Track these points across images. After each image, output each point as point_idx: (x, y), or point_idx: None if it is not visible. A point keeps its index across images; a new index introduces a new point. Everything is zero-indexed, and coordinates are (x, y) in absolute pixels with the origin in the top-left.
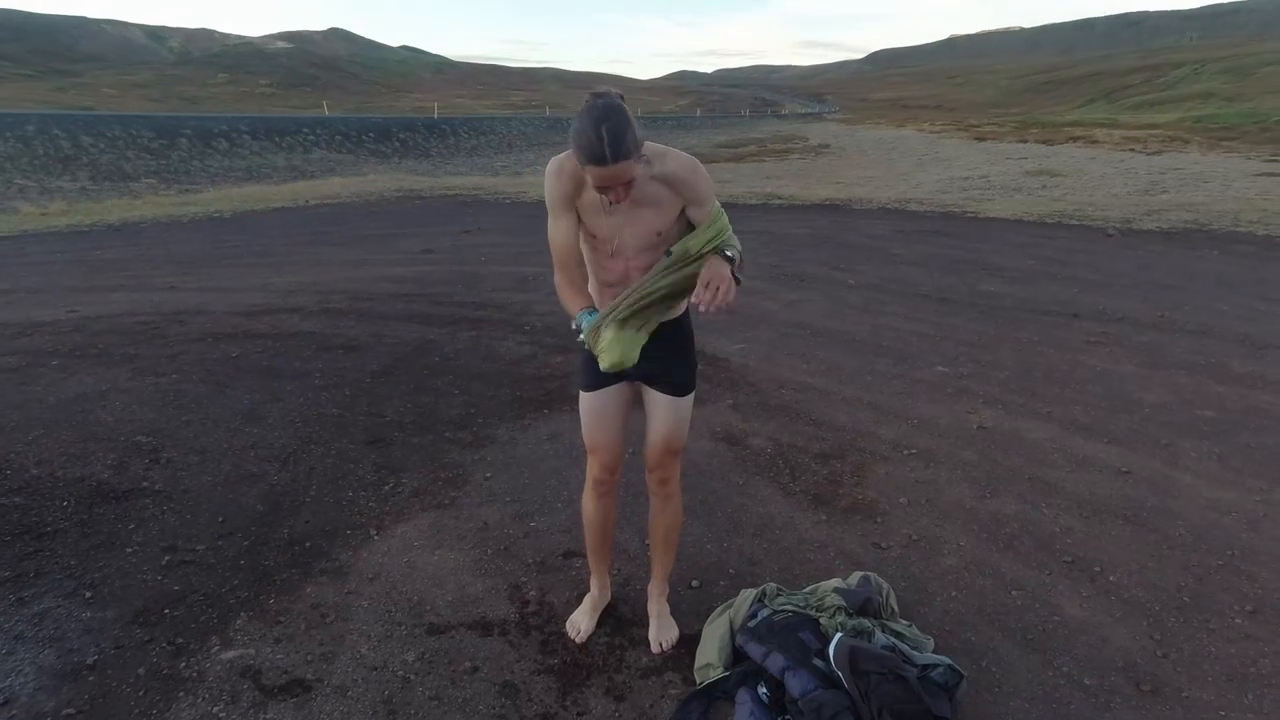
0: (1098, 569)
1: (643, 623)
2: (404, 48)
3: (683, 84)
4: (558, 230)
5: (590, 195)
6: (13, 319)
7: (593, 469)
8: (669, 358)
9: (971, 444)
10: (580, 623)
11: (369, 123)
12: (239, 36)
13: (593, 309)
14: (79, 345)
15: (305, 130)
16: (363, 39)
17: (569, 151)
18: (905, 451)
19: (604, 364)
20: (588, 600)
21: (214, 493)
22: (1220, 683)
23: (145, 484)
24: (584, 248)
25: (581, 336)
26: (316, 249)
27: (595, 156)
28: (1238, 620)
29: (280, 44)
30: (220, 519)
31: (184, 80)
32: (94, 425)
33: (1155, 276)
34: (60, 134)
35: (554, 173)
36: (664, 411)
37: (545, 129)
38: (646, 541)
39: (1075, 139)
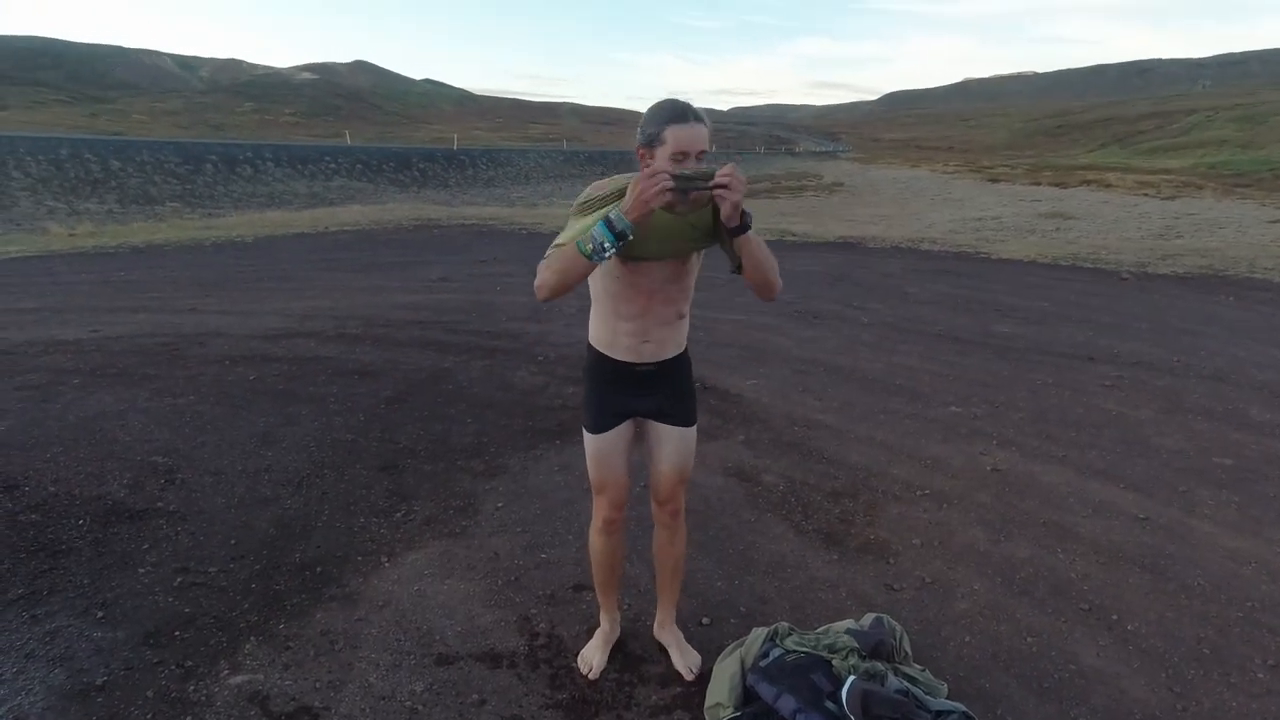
0: (1115, 617)
1: (652, 659)
2: (426, 80)
3: None
4: (581, 222)
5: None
6: (37, 337)
7: (602, 509)
8: (676, 391)
9: (985, 486)
10: (592, 658)
11: (389, 152)
12: (266, 67)
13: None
14: (100, 365)
15: (327, 158)
16: (386, 71)
17: (616, 179)
18: (918, 492)
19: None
20: (599, 635)
21: (227, 515)
22: None
23: (160, 504)
24: (604, 283)
25: (610, 244)
26: (334, 275)
27: (678, 113)
28: (1260, 675)
29: (306, 75)
30: (233, 541)
31: (212, 108)
32: (112, 444)
33: (1170, 321)
34: (91, 158)
35: (623, 184)
36: (674, 444)
37: (562, 162)
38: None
39: (1088, 182)
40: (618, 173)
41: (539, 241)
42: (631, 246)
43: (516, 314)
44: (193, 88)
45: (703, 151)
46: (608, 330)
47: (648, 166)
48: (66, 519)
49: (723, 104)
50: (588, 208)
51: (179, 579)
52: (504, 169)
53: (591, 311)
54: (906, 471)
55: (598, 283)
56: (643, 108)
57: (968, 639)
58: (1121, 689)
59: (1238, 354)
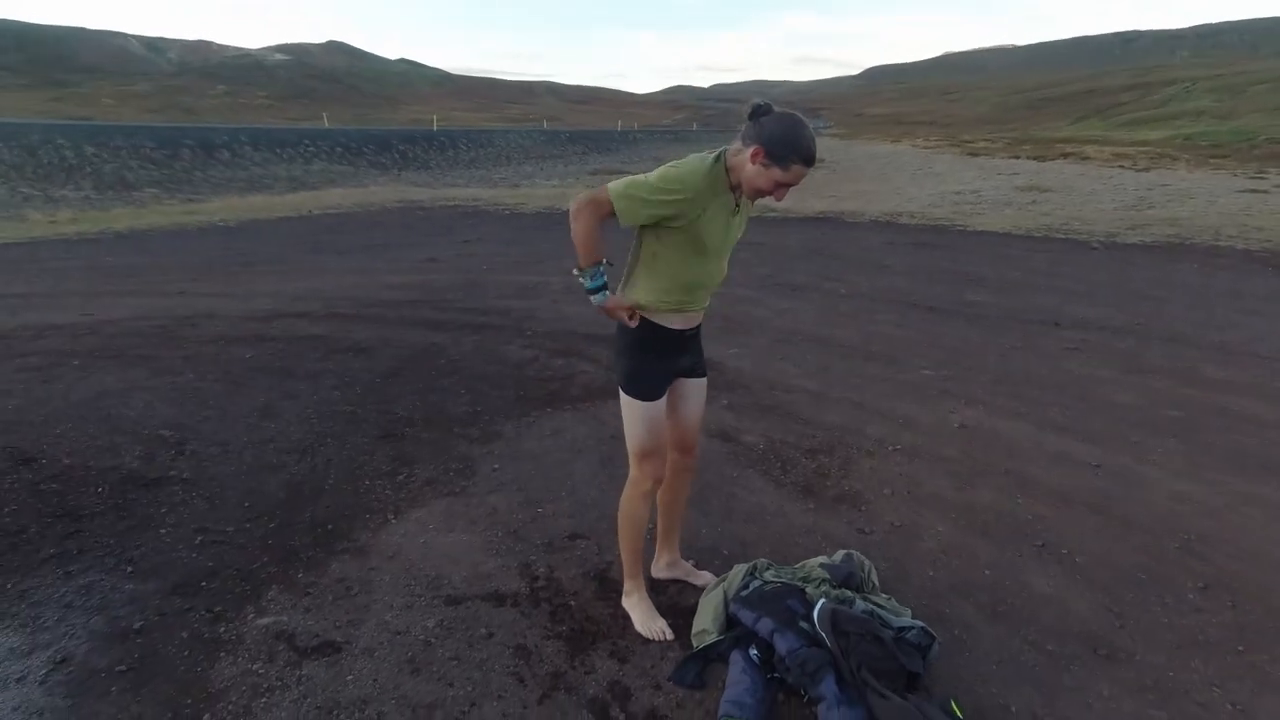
0: (1065, 551)
1: (650, 593)
2: (402, 60)
3: (679, 98)
4: (650, 212)
5: (724, 198)
6: (30, 321)
7: (653, 471)
8: (699, 346)
9: (952, 441)
10: (656, 625)
11: (369, 135)
12: (237, 49)
13: (599, 271)
14: (96, 347)
15: (306, 142)
16: (361, 52)
17: (710, 163)
18: (890, 447)
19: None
20: (642, 602)
21: (238, 481)
22: (1171, 649)
23: (173, 473)
24: (677, 269)
25: (589, 287)
26: (321, 257)
27: (809, 157)
28: (1190, 595)
29: (279, 56)
30: (246, 504)
31: (182, 91)
32: (118, 420)
33: (1135, 288)
34: (64, 144)
35: (705, 176)
36: (697, 394)
37: (543, 142)
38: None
39: (1067, 155)
40: (601, 151)
41: (523, 221)
42: (707, 245)
43: (504, 292)
44: (161, 70)
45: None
46: (674, 303)
47: (756, 163)
48: (85, 487)
49: (704, 80)
50: (666, 198)
51: (199, 538)
52: (485, 150)
53: (645, 287)
54: (879, 430)
55: (669, 269)
56: (622, 86)
57: (931, 573)
58: (1067, 611)
59: (1196, 317)
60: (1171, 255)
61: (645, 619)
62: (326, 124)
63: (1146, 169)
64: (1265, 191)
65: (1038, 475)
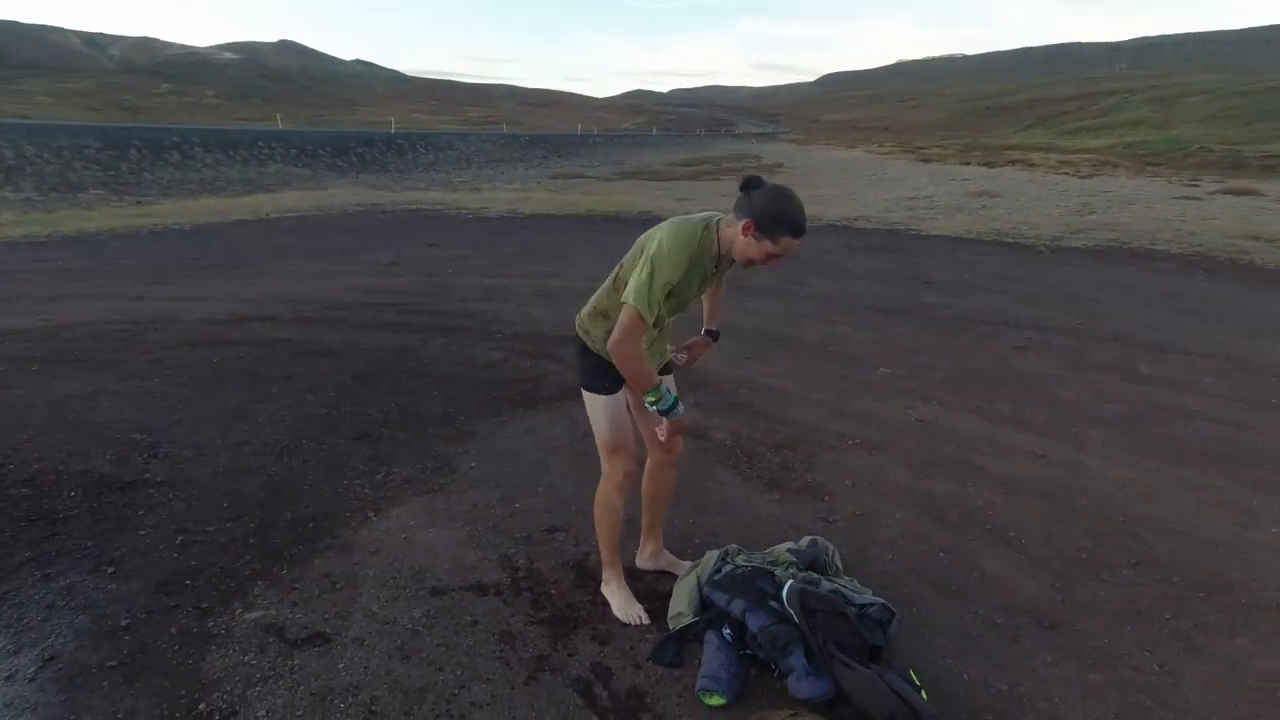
0: (1012, 534)
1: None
2: (357, 61)
3: (639, 103)
4: (661, 297)
5: (704, 266)
6: None
7: (623, 464)
8: (659, 350)
9: (910, 435)
10: (633, 610)
11: (325, 136)
12: (184, 46)
13: (664, 391)
14: (57, 352)
15: (260, 143)
16: (314, 51)
17: (699, 231)
18: (851, 442)
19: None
20: (620, 588)
21: (216, 483)
22: (1108, 619)
23: (148, 476)
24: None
25: (666, 409)
26: (283, 260)
27: (798, 230)
28: (1125, 571)
29: (228, 55)
30: (225, 505)
31: (126, 89)
32: (87, 425)
33: (1078, 290)
34: (1, 143)
35: (688, 253)
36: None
37: (503, 145)
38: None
39: (1015, 162)
40: (561, 154)
41: (487, 225)
42: (674, 304)
43: (471, 295)
44: (102, 68)
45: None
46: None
47: (750, 237)
48: (58, 491)
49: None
50: (676, 279)
51: (180, 538)
52: (444, 153)
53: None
54: (841, 425)
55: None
56: (582, 90)
57: (890, 557)
58: (1014, 588)
59: (1134, 318)
60: (1112, 259)
61: (624, 605)
62: (280, 125)
63: (1089, 176)
64: (1198, 199)
65: (988, 465)
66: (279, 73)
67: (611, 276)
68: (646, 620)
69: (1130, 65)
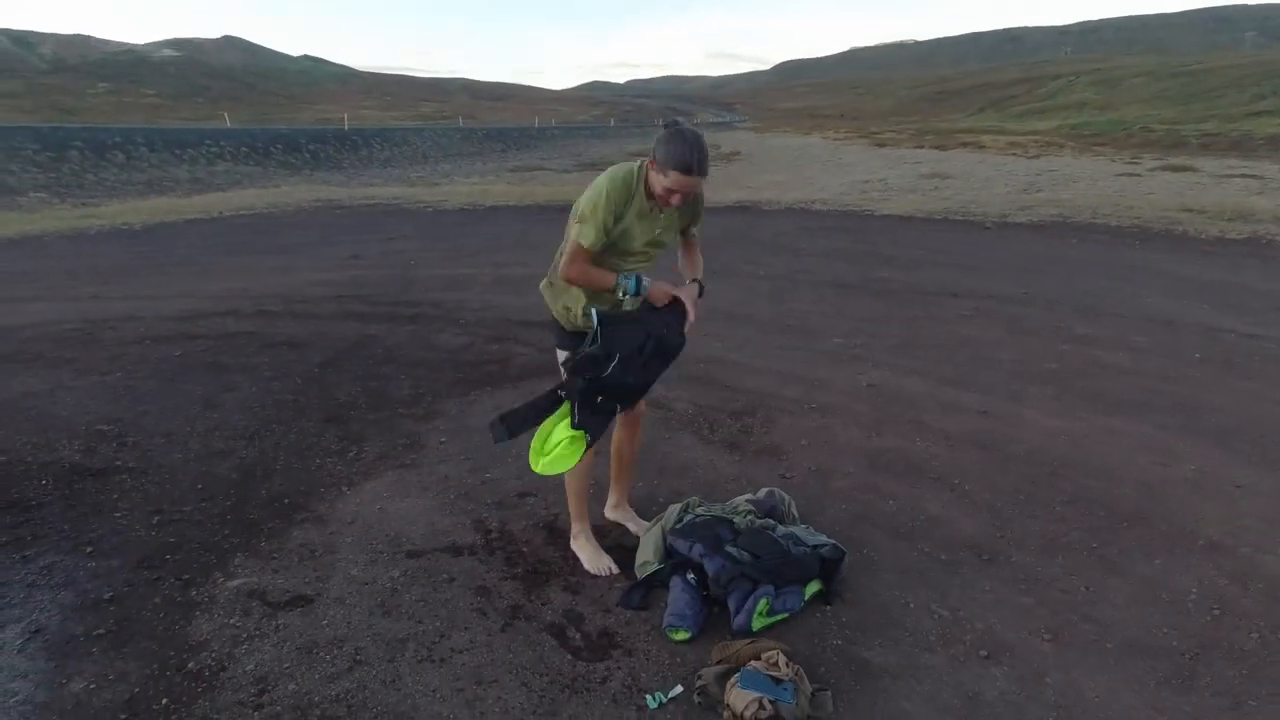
0: (956, 481)
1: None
2: (305, 57)
3: (595, 94)
4: (597, 234)
5: (639, 204)
6: None
7: None
8: None
9: (861, 398)
10: (602, 562)
11: (275, 134)
12: (120, 44)
13: (626, 274)
14: (10, 352)
15: (208, 142)
16: (259, 47)
17: (624, 169)
18: (806, 406)
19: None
20: (588, 542)
21: (188, 467)
22: (1039, 551)
23: (119, 462)
24: (600, 258)
25: (630, 295)
26: (241, 257)
27: (686, 167)
28: (1057, 508)
29: (168, 52)
30: (199, 486)
31: (59, 90)
32: (50, 418)
33: (1022, 262)
34: None
35: (620, 188)
36: None
37: (459, 140)
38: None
39: (966, 145)
40: (519, 148)
41: (446, 218)
42: (629, 248)
43: (433, 285)
44: (33, 67)
45: (690, 196)
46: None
47: (654, 171)
48: (27, 480)
49: (619, 77)
50: (604, 208)
51: (156, 518)
52: (400, 149)
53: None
54: (796, 392)
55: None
56: (538, 83)
57: (843, 506)
58: (956, 528)
59: (1072, 285)
60: (1055, 233)
61: (593, 557)
62: (229, 123)
63: (1036, 156)
64: (1139, 175)
65: (934, 422)
66: (223, 70)
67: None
68: (616, 570)
69: (1075, 49)
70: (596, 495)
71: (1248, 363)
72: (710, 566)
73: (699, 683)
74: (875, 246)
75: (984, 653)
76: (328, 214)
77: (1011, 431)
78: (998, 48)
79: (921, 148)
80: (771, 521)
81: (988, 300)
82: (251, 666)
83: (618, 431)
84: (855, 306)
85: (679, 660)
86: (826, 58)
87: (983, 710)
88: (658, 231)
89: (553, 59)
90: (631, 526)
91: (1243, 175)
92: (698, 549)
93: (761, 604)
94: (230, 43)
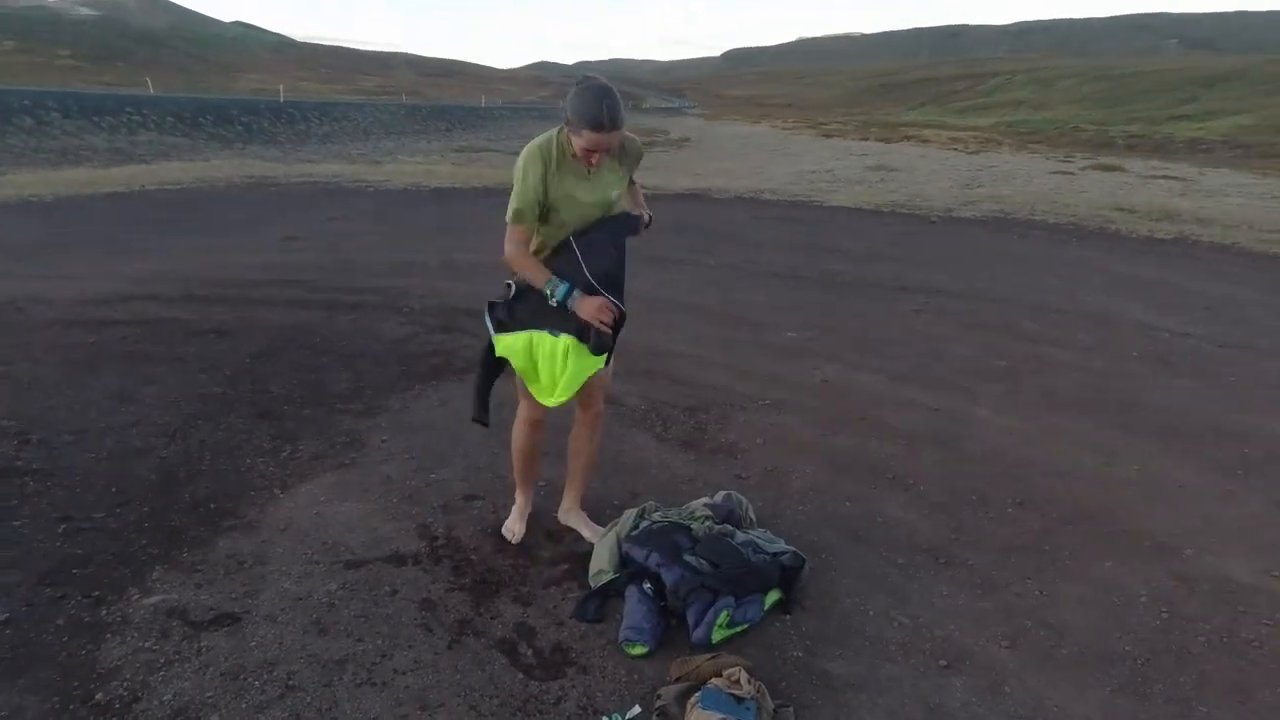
0: (912, 481)
1: (540, 545)
2: (237, 23)
3: (543, 74)
4: (522, 207)
5: (570, 167)
6: None
7: (531, 410)
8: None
9: (816, 394)
10: (514, 527)
11: (205, 104)
12: (30, 1)
13: (558, 279)
14: None
15: (129, 109)
16: (186, 10)
17: (541, 139)
18: (761, 403)
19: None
20: (516, 510)
21: (100, 468)
22: (994, 553)
23: (20, 464)
24: (554, 234)
25: (558, 301)
26: (167, 236)
27: (596, 123)
28: (1009, 510)
29: (84, 10)
30: (114, 490)
31: None
32: None
33: (969, 257)
34: None
35: (535, 158)
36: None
37: (403, 117)
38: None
39: (909, 138)
40: (465, 127)
41: (390, 199)
42: (577, 214)
43: (376, 270)
44: None
45: (610, 151)
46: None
47: (570, 132)
48: None
49: (568, 58)
50: (522, 180)
51: (62, 526)
52: (340, 124)
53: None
54: (750, 387)
55: (552, 247)
56: (485, 63)
57: (801, 508)
58: (914, 530)
59: (1018, 281)
60: (997, 227)
61: (510, 521)
62: (152, 90)
63: (977, 152)
64: (1072, 174)
65: (889, 420)
66: (146, 33)
67: None
68: (517, 541)
69: (1011, 48)
70: (550, 497)
71: (1181, 361)
72: (669, 577)
73: (658, 702)
74: (825, 238)
75: (944, 662)
76: (262, 191)
77: (965, 430)
78: (939, 44)
79: (867, 140)
80: (730, 527)
81: (937, 295)
82: (169, 697)
83: (575, 429)
84: (806, 299)
85: (636, 677)
86: (775, 46)
87: None
88: (606, 189)
89: (500, 37)
90: (585, 533)
91: (1165, 176)
92: (654, 558)
93: (722, 616)
94: (155, 3)
